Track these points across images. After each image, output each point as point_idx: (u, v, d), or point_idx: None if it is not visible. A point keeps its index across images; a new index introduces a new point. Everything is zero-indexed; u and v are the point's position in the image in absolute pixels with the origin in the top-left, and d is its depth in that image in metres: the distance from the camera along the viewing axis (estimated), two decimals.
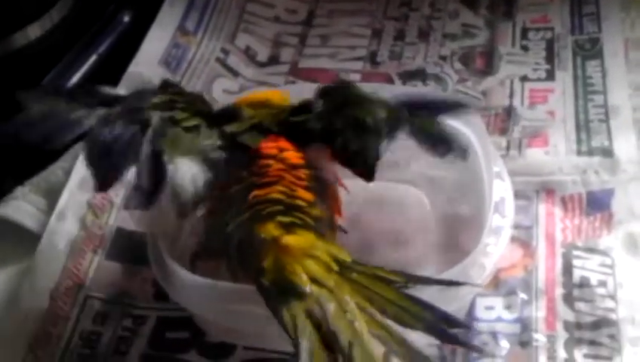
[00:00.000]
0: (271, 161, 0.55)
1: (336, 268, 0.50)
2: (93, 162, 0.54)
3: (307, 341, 0.47)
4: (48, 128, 0.55)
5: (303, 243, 0.50)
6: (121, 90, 0.59)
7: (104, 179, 0.54)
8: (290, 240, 0.50)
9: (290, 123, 0.56)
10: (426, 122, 0.54)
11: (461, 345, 0.54)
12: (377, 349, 0.47)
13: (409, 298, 0.49)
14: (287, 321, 0.47)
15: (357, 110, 0.55)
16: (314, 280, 0.49)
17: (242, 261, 0.53)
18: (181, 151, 0.54)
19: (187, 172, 0.54)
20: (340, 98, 0.56)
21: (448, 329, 0.48)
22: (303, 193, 0.54)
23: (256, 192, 0.53)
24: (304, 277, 0.49)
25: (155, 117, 0.55)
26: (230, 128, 0.56)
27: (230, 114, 0.58)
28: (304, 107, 0.57)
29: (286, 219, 0.51)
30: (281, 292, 0.49)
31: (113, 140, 0.54)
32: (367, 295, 0.49)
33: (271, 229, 0.51)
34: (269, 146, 0.55)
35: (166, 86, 0.59)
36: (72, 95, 0.58)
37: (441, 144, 0.54)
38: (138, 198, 0.54)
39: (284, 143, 0.56)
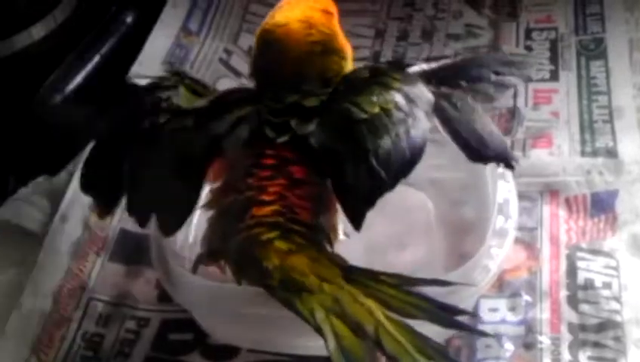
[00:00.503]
0: (271, 173, 0.54)
1: (339, 272, 0.50)
2: (92, 191, 0.57)
3: (330, 326, 0.47)
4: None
5: (305, 261, 0.51)
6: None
7: (105, 204, 0.57)
8: (294, 261, 0.51)
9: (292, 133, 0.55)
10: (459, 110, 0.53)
11: (465, 329, 0.53)
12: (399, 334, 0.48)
13: (409, 292, 0.50)
14: (304, 311, 0.48)
15: (363, 129, 0.52)
16: (322, 280, 0.50)
17: (242, 271, 0.54)
18: (162, 164, 0.54)
19: (169, 190, 0.54)
20: (346, 105, 0.54)
21: (451, 316, 0.49)
22: (302, 215, 0.53)
23: (254, 211, 0.53)
24: (312, 277, 0.50)
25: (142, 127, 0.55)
26: (215, 129, 0.55)
27: (220, 108, 0.56)
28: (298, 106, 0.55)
29: (284, 246, 0.51)
30: (290, 289, 0.49)
31: (104, 162, 0.56)
32: (370, 293, 0.49)
33: (271, 256, 0.51)
34: (269, 155, 0.54)
35: (166, 76, 0.58)
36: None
37: (480, 145, 0.53)
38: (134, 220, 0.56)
39: (286, 153, 0.54)
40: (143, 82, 0.59)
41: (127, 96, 0.59)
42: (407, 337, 0.47)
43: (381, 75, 0.55)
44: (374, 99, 0.53)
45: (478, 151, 0.53)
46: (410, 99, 0.53)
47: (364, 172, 0.52)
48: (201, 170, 0.55)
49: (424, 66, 0.56)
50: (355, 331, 0.48)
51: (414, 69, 0.55)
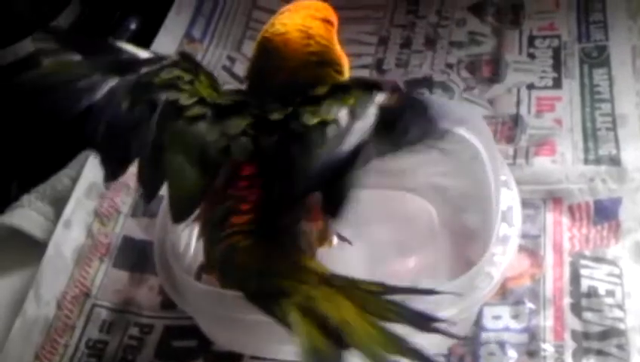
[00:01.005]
0: (249, 183, 0.54)
1: (316, 276, 0.51)
2: (100, 148, 0.54)
3: (302, 327, 0.48)
4: (59, 97, 0.54)
5: (283, 266, 0.52)
6: (142, 53, 0.58)
7: (114, 168, 0.54)
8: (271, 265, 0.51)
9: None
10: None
11: (440, 333, 0.53)
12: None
13: (385, 299, 0.50)
14: (279, 314, 0.49)
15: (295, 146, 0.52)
16: (298, 281, 0.50)
17: (225, 278, 0.55)
18: (182, 148, 0.54)
19: (185, 175, 0.54)
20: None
21: (426, 321, 0.49)
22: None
23: (233, 220, 0.54)
24: (289, 281, 0.50)
25: (162, 99, 0.54)
26: (230, 128, 0.55)
27: (236, 107, 0.56)
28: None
29: (261, 253, 0.52)
30: (267, 294, 0.50)
31: (119, 123, 0.54)
32: (347, 296, 0.50)
33: (249, 262, 0.52)
34: (247, 167, 0.54)
35: (182, 59, 0.57)
36: (90, 51, 0.57)
37: None
38: (140, 193, 0.54)
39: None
40: (144, 54, 0.58)
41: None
42: (376, 333, 0.48)
43: (341, 91, 0.54)
44: (319, 111, 0.53)
45: None
46: (354, 116, 0.52)
47: (279, 189, 0.53)
48: (218, 162, 0.55)
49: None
50: (324, 327, 0.48)
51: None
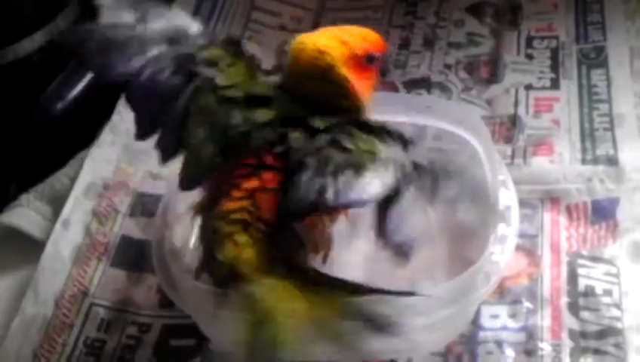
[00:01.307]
0: (247, 172, 0.55)
1: (284, 268, 0.52)
2: (137, 108, 0.57)
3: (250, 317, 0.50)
4: (105, 60, 0.57)
5: (253, 254, 0.53)
6: (193, 25, 0.60)
7: (145, 128, 0.57)
8: (246, 253, 0.52)
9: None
10: None
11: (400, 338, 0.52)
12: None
13: (348, 300, 0.51)
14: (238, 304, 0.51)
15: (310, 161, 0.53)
16: (264, 272, 0.52)
17: (206, 265, 0.56)
18: (207, 123, 0.56)
19: (203, 145, 0.55)
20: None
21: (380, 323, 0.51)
22: (267, 216, 0.54)
23: (222, 204, 0.54)
24: (255, 272, 0.52)
25: (200, 73, 0.57)
26: (257, 116, 0.56)
27: (266, 99, 0.57)
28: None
29: (242, 239, 0.53)
30: (231, 281, 0.52)
31: (158, 87, 0.57)
32: (307, 291, 0.51)
33: (226, 249, 0.53)
34: (248, 159, 0.55)
35: (228, 42, 0.60)
36: (144, 14, 0.59)
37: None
38: (157, 154, 0.57)
39: (268, 159, 0.55)
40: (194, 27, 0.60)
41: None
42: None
43: (382, 136, 0.54)
44: (350, 152, 0.53)
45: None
46: (374, 173, 0.52)
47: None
48: (236, 145, 0.56)
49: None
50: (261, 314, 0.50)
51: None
